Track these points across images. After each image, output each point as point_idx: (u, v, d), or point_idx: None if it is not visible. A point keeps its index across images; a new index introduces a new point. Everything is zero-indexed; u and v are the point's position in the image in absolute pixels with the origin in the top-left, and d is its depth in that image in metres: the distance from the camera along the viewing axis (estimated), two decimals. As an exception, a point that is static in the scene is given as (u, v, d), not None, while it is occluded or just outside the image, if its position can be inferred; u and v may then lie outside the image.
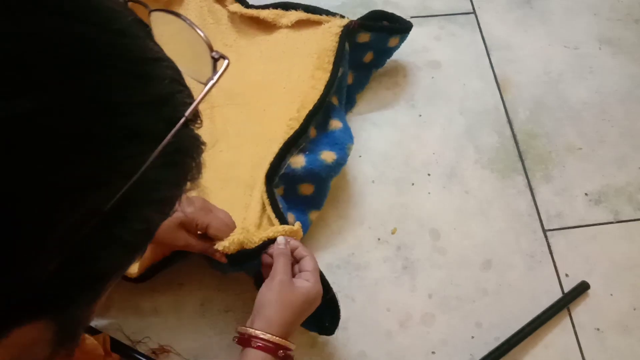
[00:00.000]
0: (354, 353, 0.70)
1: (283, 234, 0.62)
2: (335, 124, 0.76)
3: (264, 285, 0.58)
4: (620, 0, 0.99)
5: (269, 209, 0.67)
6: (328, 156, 0.73)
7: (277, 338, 0.54)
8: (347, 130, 0.76)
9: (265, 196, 0.68)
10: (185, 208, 0.61)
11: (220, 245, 0.59)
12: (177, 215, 0.58)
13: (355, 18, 0.82)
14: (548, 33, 0.95)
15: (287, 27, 0.81)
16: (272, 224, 0.67)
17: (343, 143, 0.74)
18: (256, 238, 0.61)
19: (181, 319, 0.70)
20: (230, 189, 0.72)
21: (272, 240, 0.61)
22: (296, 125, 0.71)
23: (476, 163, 0.83)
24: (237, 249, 0.60)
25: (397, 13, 0.95)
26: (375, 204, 0.79)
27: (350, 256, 0.76)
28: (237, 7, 0.83)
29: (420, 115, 0.86)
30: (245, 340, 0.55)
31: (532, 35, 0.95)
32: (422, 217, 0.78)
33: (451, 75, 0.90)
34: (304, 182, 0.72)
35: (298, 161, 0.71)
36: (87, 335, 0.66)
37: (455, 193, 0.81)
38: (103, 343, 0.65)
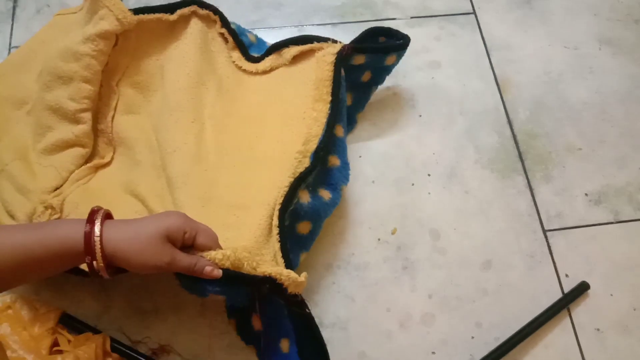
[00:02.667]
0: (354, 353, 0.70)
1: (287, 280, 0.56)
2: (334, 161, 0.74)
3: None
4: (620, 0, 0.99)
5: (276, 246, 0.63)
6: (325, 194, 0.72)
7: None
8: (343, 168, 0.74)
9: (276, 231, 0.64)
10: (169, 219, 0.52)
11: (213, 255, 0.54)
12: (162, 225, 0.51)
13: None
14: (548, 33, 0.95)
15: (285, 65, 0.81)
16: (276, 262, 0.62)
17: (337, 184, 0.73)
18: (256, 264, 0.56)
19: (181, 319, 0.70)
20: (210, 207, 0.69)
21: (270, 279, 0.56)
22: (302, 159, 0.69)
23: (476, 163, 0.83)
24: (231, 266, 0.55)
25: (397, 13, 0.95)
26: (375, 204, 0.79)
27: (350, 256, 0.76)
28: (237, 58, 0.82)
29: (420, 116, 0.86)
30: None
31: (532, 36, 0.95)
32: (422, 217, 0.78)
33: (451, 75, 0.90)
34: (304, 219, 0.69)
35: (304, 196, 0.68)
36: (85, 337, 0.66)
37: (455, 193, 0.81)
38: (103, 343, 0.65)
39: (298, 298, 0.59)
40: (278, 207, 0.65)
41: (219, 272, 0.54)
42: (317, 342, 0.60)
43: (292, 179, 0.66)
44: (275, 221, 0.64)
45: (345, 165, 0.75)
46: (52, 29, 0.83)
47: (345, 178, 0.74)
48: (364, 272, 0.75)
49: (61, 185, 0.72)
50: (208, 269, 0.54)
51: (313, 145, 0.70)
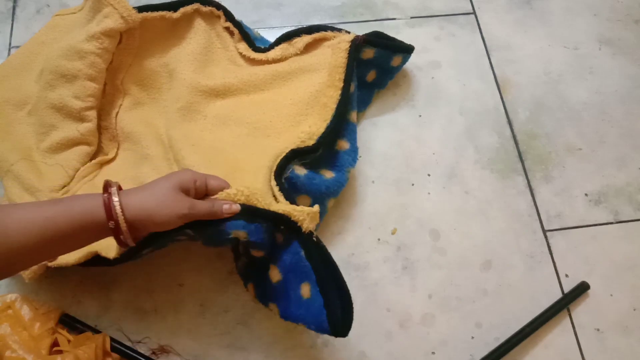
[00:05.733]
0: (354, 353, 0.70)
1: (300, 215, 0.58)
2: (342, 145, 0.76)
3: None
4: (620, 0, 0.99)
5: (281, 199, 0.64)
6: (326, 173, 0.73)
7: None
8: (352, 152, 0.76)
9: (277, 189, 0.65)
10: (179, 174, 0.55)
11: (227, 192, 0.57)
12: (173, 179, 0.54)
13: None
14: (548, 33, 0.95)
15: (296, 54, 0.82)
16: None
17: (343, 165, 0.74)
18: (269, 204, 0.58)
19: (181, 319, 0.71)
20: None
21: (283, 219, 0.58)
22: (307, 139, 0.70)
23: (476, 163, 0.83)
24: (245, 202, 0.57)
25: (397, 13, 0.95)
26: (375, 204, 0.79)
27: (350, 256, 0.76)
28: (244, 49, 0.83)
29: (420, 116, 0.86)
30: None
31: (532, 36, 0.95)
32: (422, 218, 0.78)
33: (451, 75, 0.90)
34: (302, 193, 0.70)
35: (301, 170, 0.70)
36: (85, 337, 0.66)
37: (455, 193, 0.81)
38: (103, 343, 0.65)
39: (313, 236, 0.59)
40: (274, 169, 0.66)
41: (237, 207, 0.57)
42: (337, 279, 0.60)
43: (290, 149, 0.68)
44: (273, 182, 0.65)
45: (354, 150, 0.76)
46: (51, 30, 0.83)
47: (353, 161, 0.76)
48: (363, 272, 0.75)
49: (68, 183, 0.73)
50: (226, 206, 0.56)
51: (320, 129, 0.71)
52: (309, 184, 0.69)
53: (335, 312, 0.58)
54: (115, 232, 0.50)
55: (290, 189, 0.68)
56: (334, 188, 0.72)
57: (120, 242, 0.52)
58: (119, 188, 0.52)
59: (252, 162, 0.73)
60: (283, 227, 0.59)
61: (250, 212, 0.58)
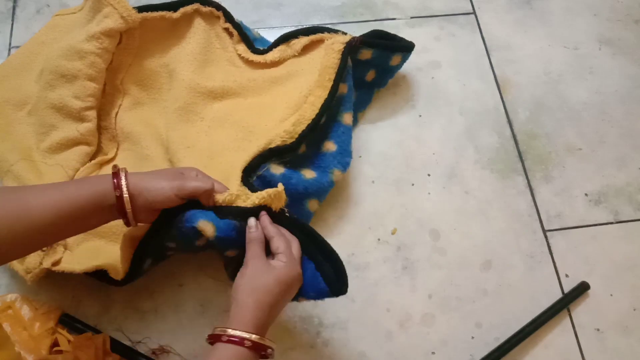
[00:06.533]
0: (354, 353, 0.70)
1: (266, 197, 0.59)
2: (328, 146, 0.74)
3: (239, 273, 0.56)
4: (620, 0, 0.99)
5: (248, 192, 0.64)
6: (307, 173, 0.72)
7: (255, 336, 0.51)
8: (339, 154, 0.74)
9: (242, 186, 0.65)
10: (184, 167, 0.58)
11: (219, 197, 0.58)
12: (177, 166, 0.58)
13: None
14: (548, 33, 0.95)
15: (294, 56, 0.82)
16: None
17: (327, 166, 0.73)
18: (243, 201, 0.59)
19: (181, 319, 0.71)
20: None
21: (254, 210, 0.59)
22: (288, 139, 0.69)
23: (476, 163, 0.83)
24: (229, 202, 0.59)
25: (397, 13, 0.95)
26: (375, 204, 0.79)
27: (350, 256, 0.76)
28: (243, 50, 0.83)
29: (420, 116, 0.86)
30: (216, 337, 0.53)
31: (532, 36, 0.95)
32: (422, 218, 0.78)
33: (451, 75, 0.90)
34: None
35: (278, 169, 0.69)
36: (85, 337, 0.66)
37: (455, 193, 0.81)
38: (103, 343, 0.66)
39: (286, 212, 0.61)
40: (243, 167, 0.67)
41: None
42: (317, 242, 0.61)
43: (264, 148, 0.68)
44: (239, 180, 0.66)
45: (343, 152, 0.75)
46: (51, 29, 0.83)
47: (340, 164, 0.74)
48: (364, 272, 0.75)
49: None
50: (214, 198, 0.59)
51: (302, 127, 0.70)
52: (285, 183, 0.68)
53: (329, 272, 0.59)
54: (119, 203, 0.54)
55: (263, 188, 0.67)
56: (313, 189, 0.71)
57: (124, 216, 0.55)
58: (126, 171, 0.56)
59: (242, 165, 0.73)
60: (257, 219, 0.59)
61: (222, 210, 0.58)
